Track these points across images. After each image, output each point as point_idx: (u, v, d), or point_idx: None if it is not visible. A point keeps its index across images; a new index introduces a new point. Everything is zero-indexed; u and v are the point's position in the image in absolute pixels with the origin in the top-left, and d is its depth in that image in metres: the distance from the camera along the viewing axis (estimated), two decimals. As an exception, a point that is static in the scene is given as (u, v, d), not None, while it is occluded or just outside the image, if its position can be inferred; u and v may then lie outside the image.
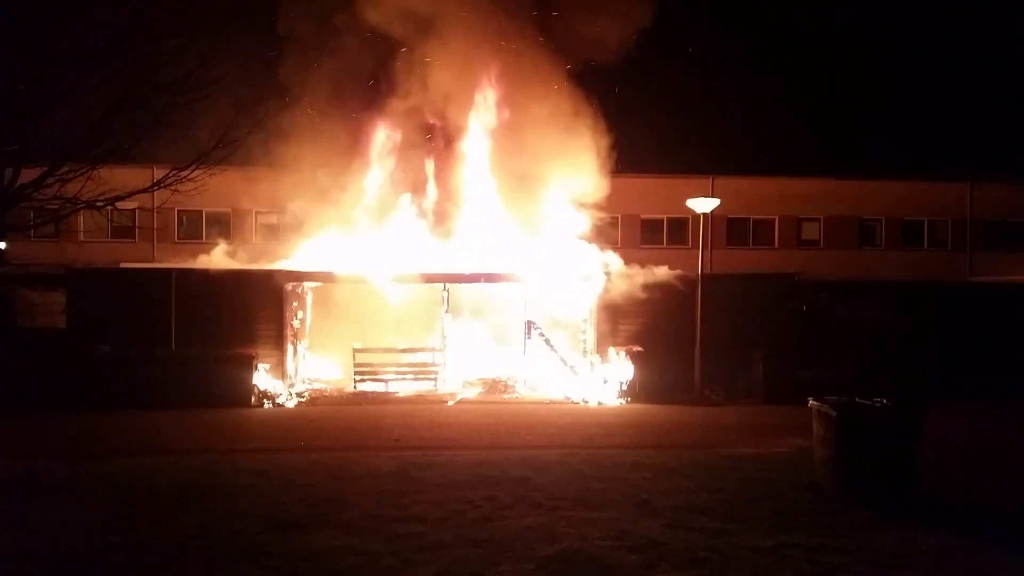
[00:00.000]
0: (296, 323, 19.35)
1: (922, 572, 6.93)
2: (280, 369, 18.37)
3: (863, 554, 7.33)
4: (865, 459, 8.91)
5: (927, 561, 7.19)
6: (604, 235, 29.73)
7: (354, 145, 20.81)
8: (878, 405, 9.14)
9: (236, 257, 20.89)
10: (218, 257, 20.82)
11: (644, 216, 31.31)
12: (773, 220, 32.36)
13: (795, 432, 12.67)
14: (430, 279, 19.34)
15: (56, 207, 16.81)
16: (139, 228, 26.05)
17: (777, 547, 7.44)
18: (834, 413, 9.08)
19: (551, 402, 18.03)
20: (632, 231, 31.01)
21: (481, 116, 21.40)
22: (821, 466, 9.45)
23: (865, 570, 6.95)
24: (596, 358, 19.03)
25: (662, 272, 18.85)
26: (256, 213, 28.99)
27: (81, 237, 26.48)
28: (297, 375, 19.28)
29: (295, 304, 19.34)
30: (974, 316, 19.26)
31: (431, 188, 21.65)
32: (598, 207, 20.51)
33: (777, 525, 8.12)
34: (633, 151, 28.01)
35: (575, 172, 20.58)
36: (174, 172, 16.93)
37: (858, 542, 7.65)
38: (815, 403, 9.53)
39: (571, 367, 19.21)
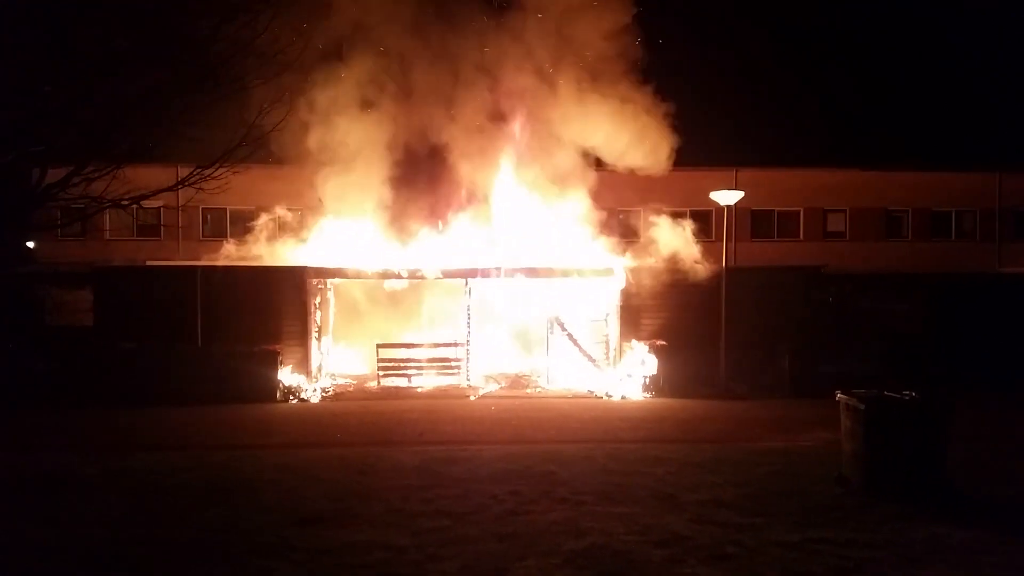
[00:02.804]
0: (319, 318, 19.42)
1: (953, 567, 6.82)
2: (304, 364, 18.47)
3: (893, 549, 7.24)
4: (894, 453, 8.79)
5: (958, 556, 7.08)
6: (627, 229, 29.68)
7: (379, 142, 20.81)
8: (907, 398, 9.01)
9: (260, 254, 20.99)
10: (242, 254, 20.94)
11: (667, 209, 31.07)
12: (798, 212, 32.05)
13: (821, 426, 12.56)
14: (453, 275, 19.35)
15: (82, 206, 16.95)
16: (164, 226, 26.29)
17: (805, 542, 7.36)
18: (862, 406, 8.97)
19: (574, 396, 17.98)
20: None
21: (505, 112, 21.34)
22: (849, 460, 9.34)
23: (895, 565, 6.85)
24: (619, 352, 18.95)
25: (686, 265, 18.72)
26: (280, 210, 29.14)
27: (107, 236, 26.73)
28: (321, 370, 19.37)
29: (319, 300, 19.42)
30: (1004, 308, 18.97)
31: (456, 185, 21.62)
32: (622, 201, 20.38)
33: (804, 520, 8.04)
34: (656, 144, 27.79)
35: (599, 165, 20.49)
36: (198, 171, 17.01)
37: (887, 537, 7.55)
38: (843, 396, 9.42)
39: (594, 361, 19.14)
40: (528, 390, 18.88)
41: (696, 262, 18.60)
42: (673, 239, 18.95)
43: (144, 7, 14.00)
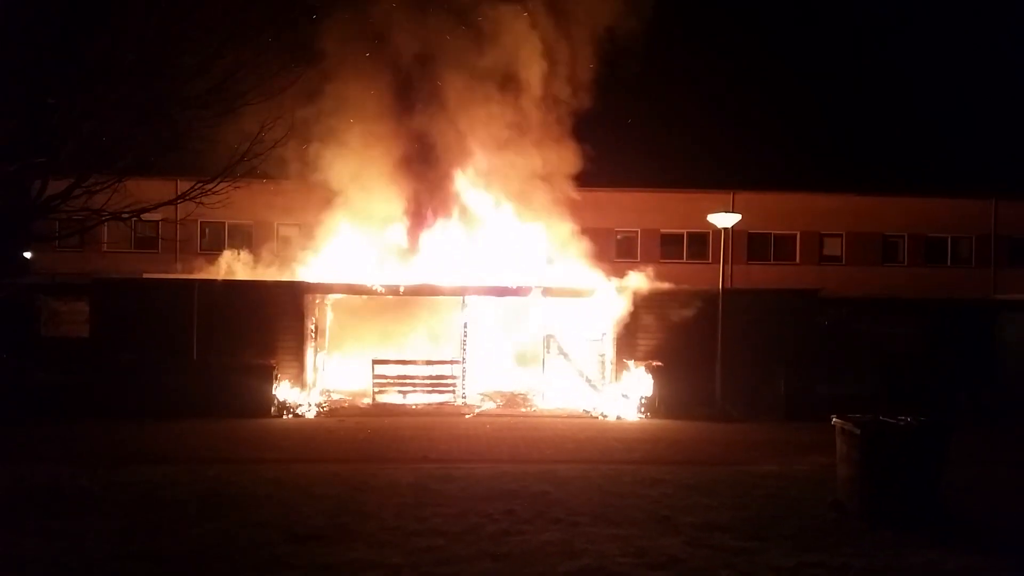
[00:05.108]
0: (315, 333, 19.42)
1: (948, 594, 6.83)
2: (300, 379, 18.44)
3: (888, 575, 7.24)
4: (890, 478, 8.79)
5: (953, 583, 7.08)
6: (624, 249, 29.78)
7: (376, 157, 20.91)
8: (902, 423, 9.03)
9: (258, 268, 21.01)
10: (239, 268, 20.97)
11: (664, 231, 31.18)
12: (794, 236, 32.13)
13: (817, 449, 12.55)
14: (450, 292, 19.38)
15: (82, 218, 16.96)
16: (162, 239, 26.28)
17: (800, 567, 7.35)
18: (858, 431, 8.98)
19: (570, 416, 17.96)
20: (652, 246, 30.90)
21: (502, 130, 21.45)
22: (844, 484, 9.34)
23: (890, 591, 6.86)
24: (615, 372, 18.95)
25: (682, 287, 18.76)
26: (278, 225, 29.21)
27: (105, 248, 26.73)
28: (316, 385, 19.34)
29: (315, 315, 19.42)
30: (998, 334, 19.04)
31: (453, 202, 21.70)
32: (619, 222, 20.48)
33: (800, 544, 8.04)
34: (654, 166, 28.04)
35: (596, 187, 20.59)
36: (199, 185, 17.04)
37: (883, 562, 7.55)
38: (838, 420, 9.43)
39: (590, 381, 19.13)
40: (524, 409, 18.86)
41: (692, 284, 18.66)
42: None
43: (149, 22, 14.09)
